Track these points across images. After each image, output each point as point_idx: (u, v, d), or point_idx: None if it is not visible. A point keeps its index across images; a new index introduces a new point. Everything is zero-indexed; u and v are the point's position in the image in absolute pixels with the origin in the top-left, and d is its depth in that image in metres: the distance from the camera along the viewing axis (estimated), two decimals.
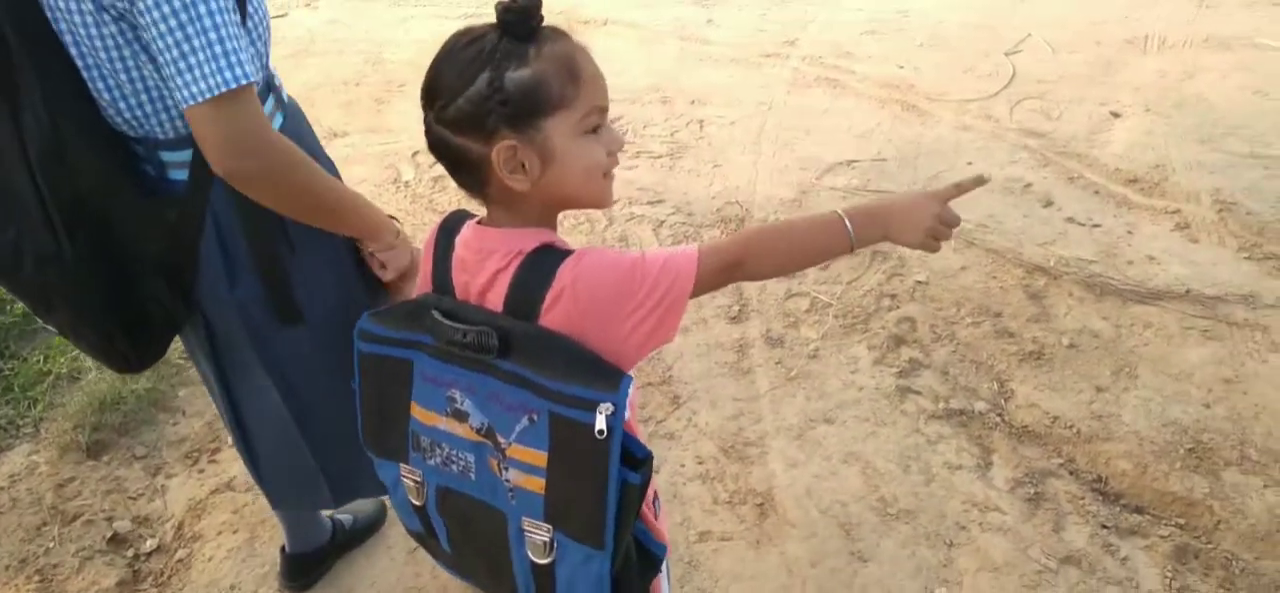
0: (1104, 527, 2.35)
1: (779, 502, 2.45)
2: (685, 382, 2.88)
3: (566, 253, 1.12)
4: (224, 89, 1.21)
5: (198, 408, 2.85)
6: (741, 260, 1.19)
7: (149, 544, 2.42)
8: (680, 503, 2.46)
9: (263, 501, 2.34)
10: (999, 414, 2.72)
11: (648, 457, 1.12)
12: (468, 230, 1.19)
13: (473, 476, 1.17)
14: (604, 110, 1.12)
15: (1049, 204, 3.79)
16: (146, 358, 1.60)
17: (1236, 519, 2.37)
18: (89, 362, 2.97)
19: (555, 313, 1.09)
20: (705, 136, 4.43)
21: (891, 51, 5.41)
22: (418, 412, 1.20)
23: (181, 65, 1.20)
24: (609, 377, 1.05)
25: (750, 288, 3.28)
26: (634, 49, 5.56)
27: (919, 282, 3.29)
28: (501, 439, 1.12)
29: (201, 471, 2.64)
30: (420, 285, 1.28)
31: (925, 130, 4.45)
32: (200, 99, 1.21)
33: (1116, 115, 4.57)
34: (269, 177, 1.33)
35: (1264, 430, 2.65)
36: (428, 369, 1.17)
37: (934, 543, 2.32)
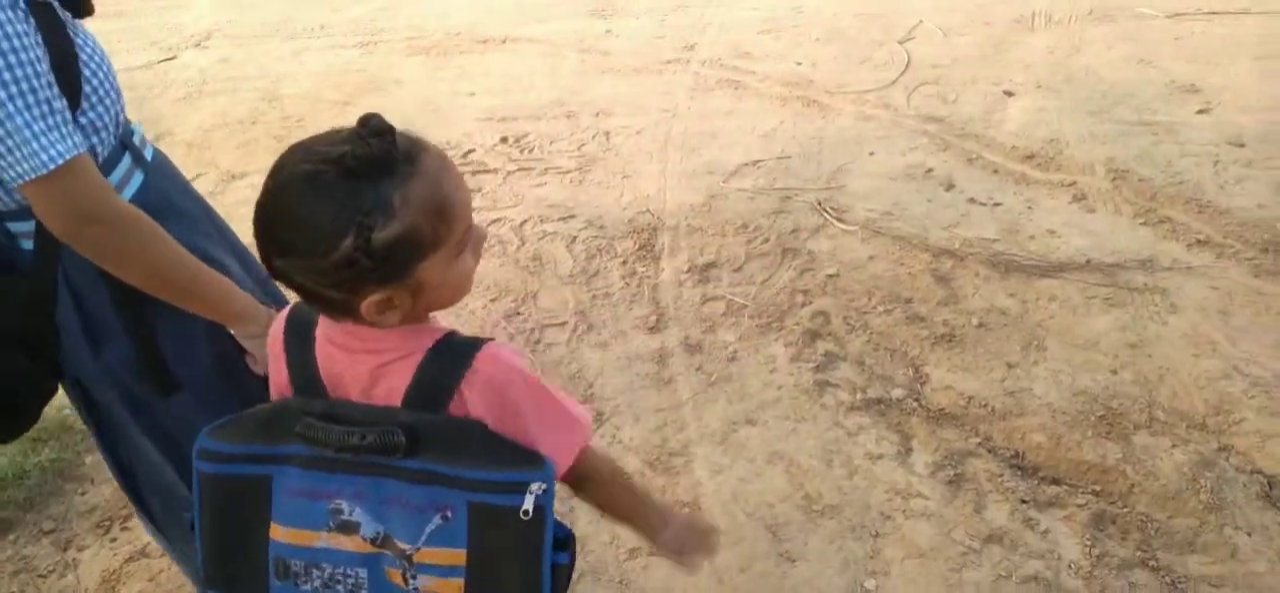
0: (1023, 502, 2.40)
1: (706, 509, 2.44)
2: (607, 398, 2.86)
3: (475, 343, 1.06)
4: (43, 171, 1.20)
5: (107, 474, 2.73)
6: (598, 479, 1.19)
7: None
8: (608, 522, 2.43)
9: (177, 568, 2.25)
10: (916, 399, 2.76)
11: (570, 535, 1.09)
12: (332, 325, 1.08)
13: (365, 591, 1.09)
14: (470, 224, 1.05)
15: (951, 187, 3.87)
16: (15, 429, 1.55)
17: (1149, 481, 2.43)
18: None
19: (471, 400, 1.03)
20: (612, 148, 4.42)
21: (788, 48, 5.47)
22: (283, 534, 1.09)
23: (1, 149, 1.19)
24: (532, 458, 1.01)
25: (667, 297, 3.28)
26: (536, 64, 5.53)
27: (829, 275, 3.33)
28: (405, 546, 1.04)
29: (114, 539, 2.53)
30: (274, 390, 1.18)
31: (827, 124, 4.51)
32: (24, 180, 1.20)
33: (1010, 94, 4.69)
34: (110, 246, 1.29)
35: (1169, 392, 2.73)
36: (296, 483, 1.07)
37: (860, 536, 2.34)
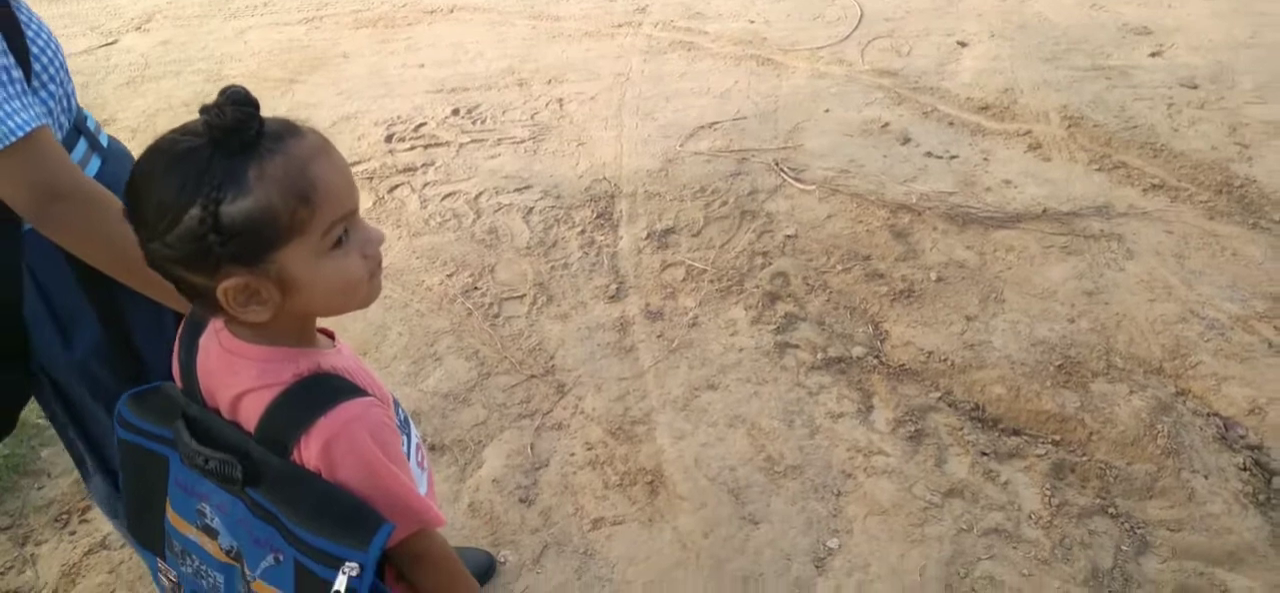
0: (983, 454, 2.40)
1: (669, 477, 2.43)
2: (569, 369, 2.83)
3: (332, 394, 0.99)
4: (7, 142, 1.14)
5: (64, 466, 2.68)
6: (432, 562, 1.12)
7: None
8: (572, 493, 2.42)
9: (138, 558, 2.23)
10: (876, 357, 2.76)
11: None
12: (213, 335, 1.05)
13: None
14: (352, 212, 0.97)
15: (907, 141, 3.86)
16: None
17: (1107, 429, 2.45)
18: None
19: (307, 458, 0.98)
20: (566, 115, 4.36)
21: (741, 7, 5.43)
22: (171, 516, 1.09)
23: None
24: (363, 528, 0.94)
25: (626, 265, 3.25)
26: (485, 33, 5.44)
27: (788, 236, 3.31)
28: (248, 571, 1.02)
29: (73, 533, 2.48)
30: (177, 379, 1.15)
31: (782, 82, 4.48)
32: None
33: (963, 45, 4.68)
34: (78, 225, 1.23)
35: (1126, 338, 2.75)
36: (180, 475, 1.07)
37: (823, 495, 2.34)
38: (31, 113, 1.17)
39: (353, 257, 0.98)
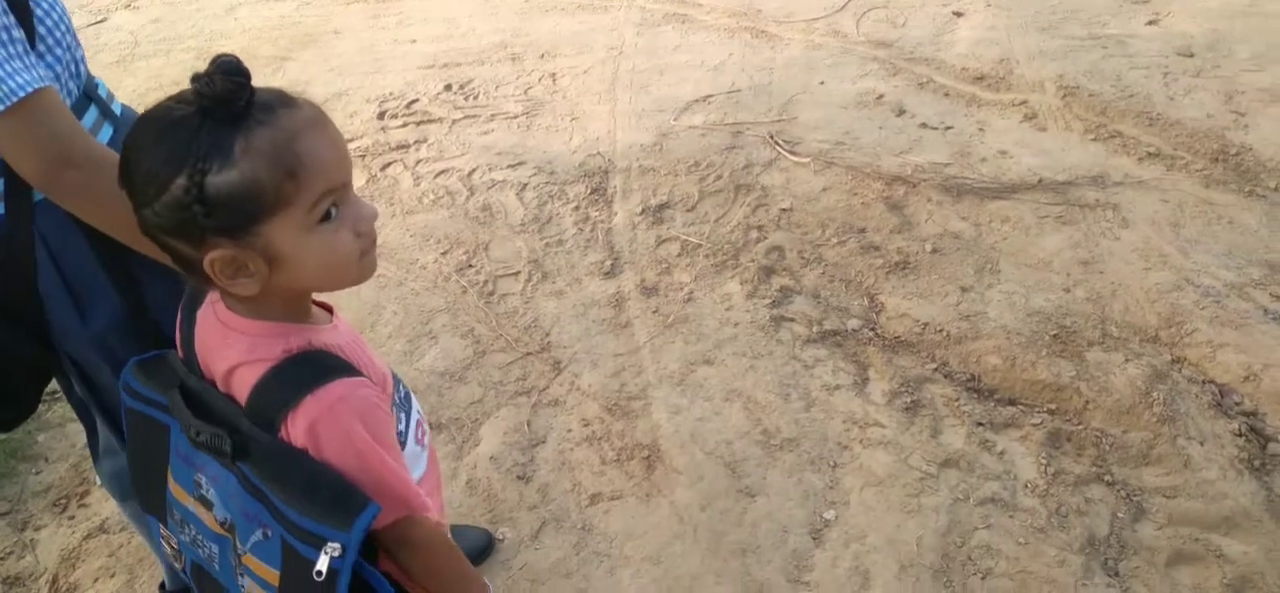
0: (979, 424, 2.41)
1: (665, 451, 2.43)
2: (565, 346, 2.82)
3: (322, 372, 0.99)
4: (11, 101, 1.11)
5: (61, 451, 2.67)
6: (422, 547, 1.11)
7: None
8: (569, 469, 2.42)
9: (139, 540, 2.23)
10: (871, 329, 2.76)
11: None
12: (210, 306, 1.05)
13: (216, 565, 1.08)
14: (342, 187, 0.96)
15: (902, 112, 3.84)
16: (19, 413, 1.48)
17: (1103, 397, 2.45)
18: None
19: (294, 435, 0.98)
20: (559, 90, 4.34)
21: None
22: (171, 484, 1.10)
23: None
24: (348, 509, 0.94)
25: (621, 241, 3.24)
26: (477, 7, 5.40)
27: (783, 209, 3.30)
28: (239, 543, 1.02)
29: (72, 517, 2.48)
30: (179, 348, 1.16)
31: (776, 54, 4.46)
32: None
33: (959, 15, 4.66)
34: (91, 191, 1.20)
35: (1121, 306, 2.75)
36: (180, 444, 1.07)
37: (819, 467, 2.34)
38: (34, 73, 1.14)
39: (343, 233, 0.97)
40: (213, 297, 1.05)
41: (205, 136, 0.86)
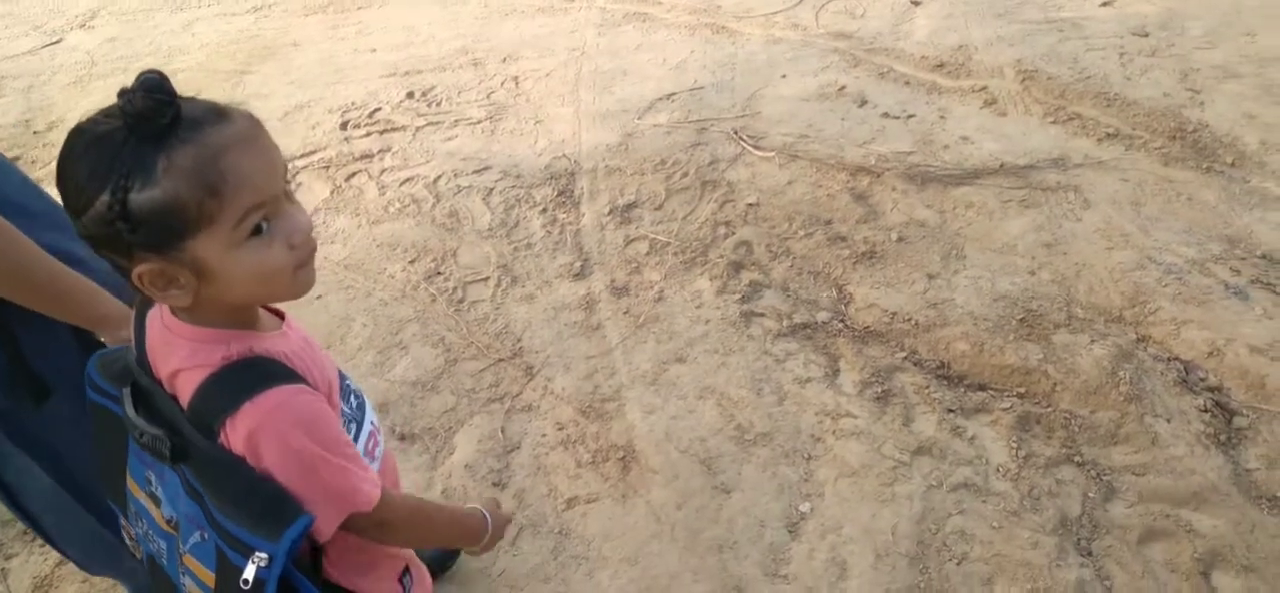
0: (950, 411, 2.43)
1: (640, 451, 2.43)
2: (537, 350, 2.82)
3: (260, 379, 0.98)
4: None
5: None
6: (394, 525, 1.14)
7: None
8: (545, 474, 2.42)
9: None
10: (841, 320, 2.77)
11: None
12: (156, 311, 1.06)
13: (164, 560, 1.09)
14: (271, 201, 0.95)
15: (864, 103, 3.87)
16: None
17: (1070, 378, 2.48)
18: None
19: (233, 442, 0.97)
20: (522, 93, 4.33)
21: None
22: (128, 479, 1.12)
23: None
24: (278, 519, 0.95)
25: (590, 242, 3.23)
26: (437, 12, 5.38)
27: (750, 204, 3.31)
28: (181, 543, 1.03)
29: (44, 546, 2.44)
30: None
31: (737, 50, 4.47)
32: None
33: (917, 4, 4.70)
34: None
35: (1086, 287, 2.78)
36: (133, 441, 1.09)
37: (793, 460, 2.35)
38: None
39: (275, 246, 0.96)
40: (158, 306, 1.06)
41: (129, 153, 0.86)
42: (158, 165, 0.86)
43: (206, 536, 0.98)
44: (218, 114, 0.91)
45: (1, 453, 1.54)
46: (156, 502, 1.06)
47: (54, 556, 2.39)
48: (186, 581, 1.04)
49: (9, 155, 1.46)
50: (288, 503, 0.96)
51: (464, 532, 1.31)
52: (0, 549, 2.43)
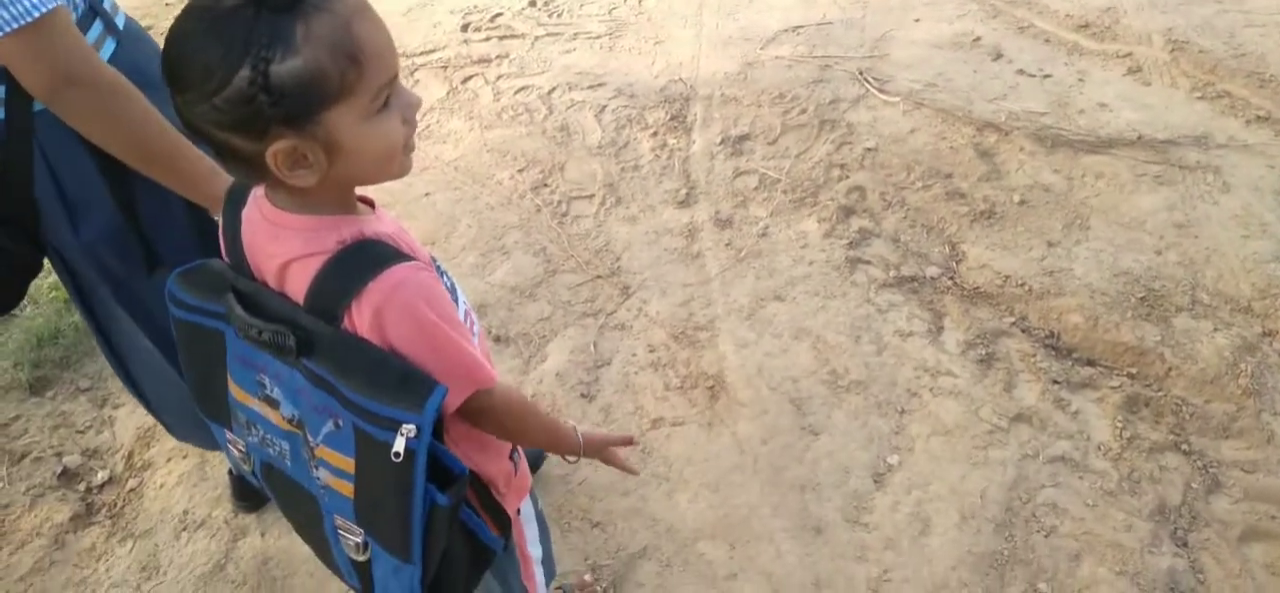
0: (1055, 382, 2.34)
1: (730, 383, 2.41)
2: (634, 271, 2.81)
3: (379, 260, 0.98)
4: (25, 21, 1.13)
5: None
6: (495, 413, 1.13)
7: (100, 477, 2.36)
8: (633, 392, 2.43)
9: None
10: (950, 278, 2.69)
11: (462, 476, 1.04)
12: (255, 206, 1.05)
13: (288, 462, 1.10)
14: (395, 78, 0.95)
15: (999, 57, 3.70)
16: (3, 305, 1.53)
17: (1187, 365, 2.36)
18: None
19: (359, 323, 0.98)
20: (644, 12, 4.28)
21: None
22: (233, 388, 1.11)
23: None
24: (417, 391, 0.95)
25: (698, 170, 3.20)
26: None
27: (868, 149, 3.22)
28: (310, 438, 1.04)
29: None
30: (223, 255, 1.16)
31: None
32: (3, 32, 1.13)
33: None
34: (93, 110, 1.24)
35: (1215, 274, 2.63)
36: (237, 347, 1.08)
37: (885, 412, 2.30)
38: None
39: (395, 120, 0.96)
40: (256, 196, 1.05)
41: (263, 25, 0.84)
42: (296, 33, 0.85)
43: (341, 422, 0.98)
44: None
45: (112, 317, 1.61)
46: (274, 404, 1.06)
47: None
48: (321, 473, 1.05)
49: (143, 25, 1.53)
50: (421, 376, 0.97)
51: (556, 440, 1.31)
52: (108, 401, 2.57)
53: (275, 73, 0.84)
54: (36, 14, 1.14)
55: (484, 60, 3.95)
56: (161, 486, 2.32)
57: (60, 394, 2.61)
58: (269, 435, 1.10)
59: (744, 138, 3.34)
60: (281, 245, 1.01)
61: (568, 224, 3.01)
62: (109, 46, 1.41)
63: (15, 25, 1.13)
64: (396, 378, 0.96)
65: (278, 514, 2.18)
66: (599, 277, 2.80)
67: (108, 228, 1.45)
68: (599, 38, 4.08)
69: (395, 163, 0.99)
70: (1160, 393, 2.30)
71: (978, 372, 2.39)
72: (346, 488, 1.03)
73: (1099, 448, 2.18)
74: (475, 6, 4.38)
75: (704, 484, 2.17)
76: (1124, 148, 3.15)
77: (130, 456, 2.41)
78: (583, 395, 2.41)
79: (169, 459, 2.38)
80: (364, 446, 0.98)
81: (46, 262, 1.58)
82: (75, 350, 2.72)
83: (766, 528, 2.07)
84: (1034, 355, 2.42)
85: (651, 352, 2.54)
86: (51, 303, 2.84)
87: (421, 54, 4.06)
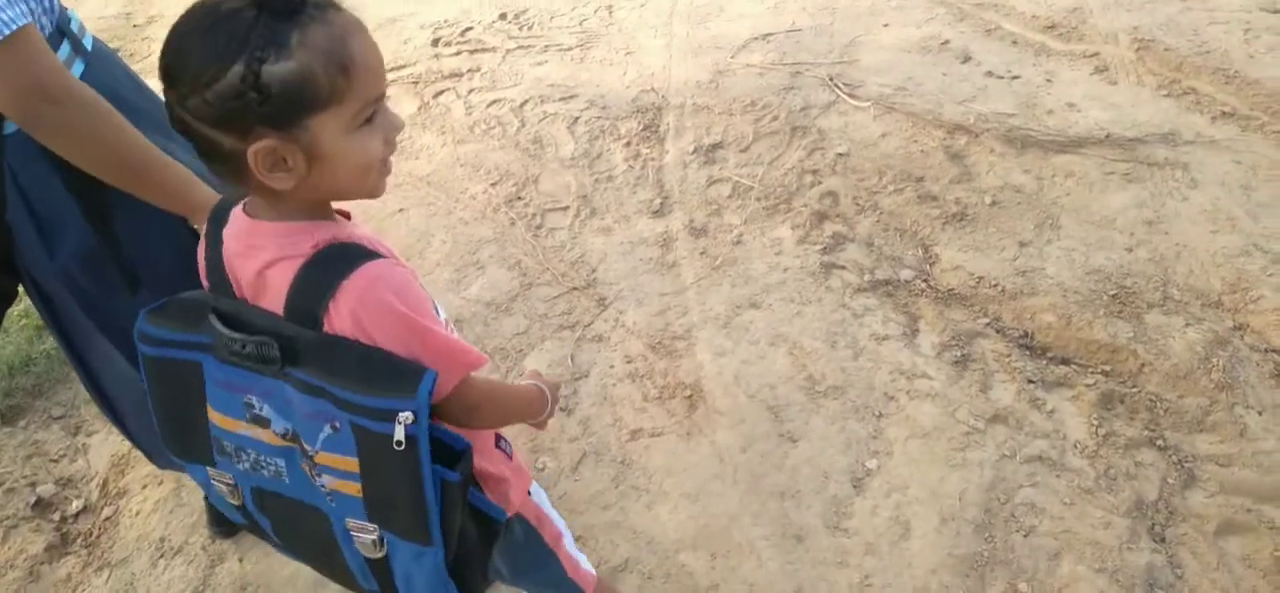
0: (1030, 382, 2.36)
1: (708, 392, 2.41)
2: (610, 282, 2.81)
3: (352, 259, 1.00)
4: None
5: None
6: (480, 406, 1.15)
7: (75, 506, 2.32)
8: (611, 404, 2.42)
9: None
10: (924, 280, 2.70)
11: (466, 450, 1.06)
12: (235, 219, 1.07)
13: (286, 479, 1.10)
14: (381, 97, 0.99)
15: (967, 60, 3.73)
16: None
17: (1160, 361, 2.38)
18: None
19: (338, 323, 0.99)
20: (615, 23, 4.28)
21: None
22: (216, 417, 1.11)
23: None
24: (408, 379, 0.97)
25: (671, 180, 3.20)
26: None
27: (840, 154, 3.23)
28: (307, 447, 1.04)
29: None
30: (203, 277, 1.17)
31: None
32: None
33: None
34: (66, 127, 1.23)
35: (1185, 269, 2.66)
36: (218, 374, 1.08)
37: (863, 416, 2.31)
38: (17, 10, 1.16)
39: (377, 138, 1.00)
40: (236, 213, 1.07)
41: (262, 28, 0.88)
42: (292, 38, 0.89)
43: (339, 424, 1.00)
44: (335, 5, 0.95)
45: (89, 345, 1.59)
46: (264, 423, 1.06)
47: None
48: (324, 479, 1.05)
49: (111, 46, 1.52)
50: (409, 365, 0.99)
51: (530, 406, 1.33)
52: (82, 428, 2.53)
53: (267, 73, 0.88)
54: (5, 33, 1.13)
55: (455, 74, 3.93)
56: (137, 513, 2.29)
57: (33, 423, 2.57)
58: (262, 457, 1.10)
59: (717, 146, 3.35)
60: (259, 250, 1.02)
61: (542, 237, 3.01)
62: (78, 67, 1.40)
63: None
64: (387, 370, 0.98)
65: (255, 540, 2.15)
66: (575, 289, 2.79)
67: (82, 248, 1.44)
68: (570, 50, 4.07)
69: (370, 179, 1.02)
70: (1134, 390, 2.32)
71: (953, 373, 2.40)
72: (354, 488, 1.04)
73: (1075, 446, 2.19)
74: (446, 21, 4.37)
75: (684, 495, 2.17)
76: (1093, 147, 3.18)
77: (105, 484, 2.38)
78: (561, 410, 2.40)
79: (144, 486, 2.35)
80: (365, 442, 1.00)
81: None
82: (47, 378, 2.69)
83: (747, 537, 2.07)
84: (1009, 356, 2.43)
85: (629, 363, 2.54)
86: (22, 331, 2.80)
87: (392, 69, 4.04)
